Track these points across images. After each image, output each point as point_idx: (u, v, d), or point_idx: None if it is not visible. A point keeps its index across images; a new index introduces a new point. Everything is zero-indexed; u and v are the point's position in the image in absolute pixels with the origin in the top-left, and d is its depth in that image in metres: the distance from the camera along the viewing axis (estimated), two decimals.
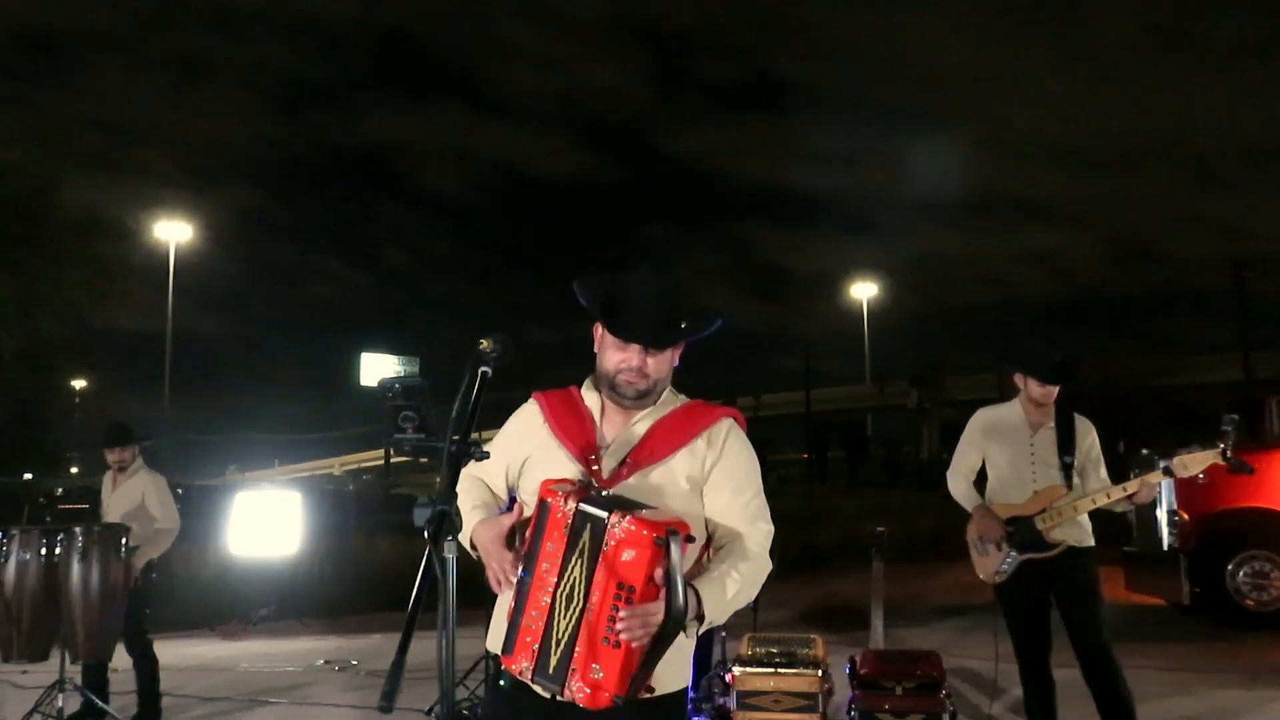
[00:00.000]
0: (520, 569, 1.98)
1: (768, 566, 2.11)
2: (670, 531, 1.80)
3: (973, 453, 4.36)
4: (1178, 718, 5.30)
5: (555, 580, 1.90)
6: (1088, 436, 4.21)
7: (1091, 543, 4.15)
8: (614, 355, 2.15)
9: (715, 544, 2.12)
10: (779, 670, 4.64)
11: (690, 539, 1.88)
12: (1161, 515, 8.18)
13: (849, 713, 4.45)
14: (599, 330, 2.20)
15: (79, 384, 30.67)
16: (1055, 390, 4.18)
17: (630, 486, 2.08)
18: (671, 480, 2.11)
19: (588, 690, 1.82)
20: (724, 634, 5.33)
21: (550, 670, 1.87)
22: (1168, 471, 4.06)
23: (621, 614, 1.79)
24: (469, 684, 5.29)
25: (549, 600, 1.90)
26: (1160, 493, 8.11)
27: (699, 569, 2.05)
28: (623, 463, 2.11)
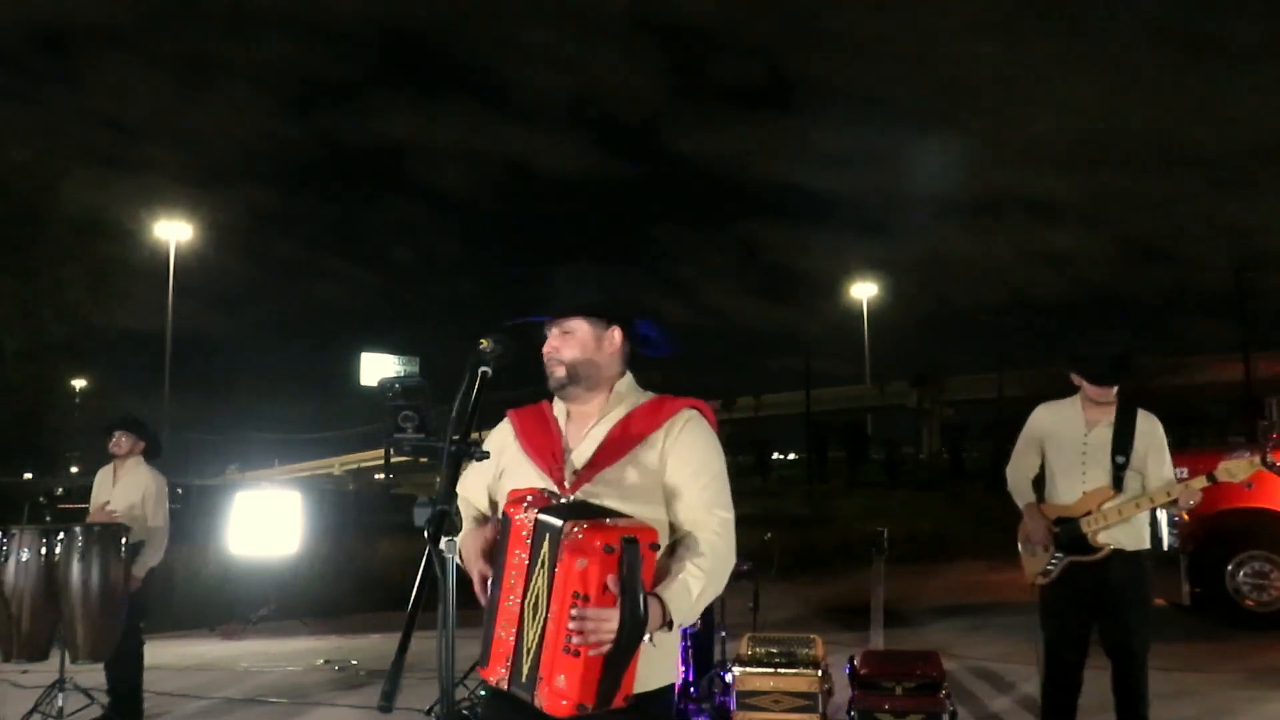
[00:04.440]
0: (490, 583, 2.00)
1: (730, 556, 2.08)
2: (625, 540, 1.80)
3: (1030, 449, 4.25)
4: (1178, 718, 5.29)
5: (522, 591, 1.91)
6: (1148, 434, 4.02)
7: (1145, 545, 4.01)
8: (545, 348, 2.19)
9: (674, 535, 2.10)
10: (779, 670, 4.64)
11: (655, 546, 1.87)
12: (1161, 515, 8.17)
13: (849, 713, 4.45)
14: None
15: (79, 384, 30.72)
16: (1111, 390, 4.02)
17: (590, 490, 2.08)
18: (631, 478, 2.09)
19: (552, 700, 1.82)
20: (724, 634, 5.33)
21: (523, 679, 1.88)
22: (1212, 478, 3.95)
23: (573, 613, 1.79)
24: (469, 684, 5.29)
25: (518, 611, 1.91)
26: None
27: (664, 565, 2.02)
28: (583, 466, 2.12)
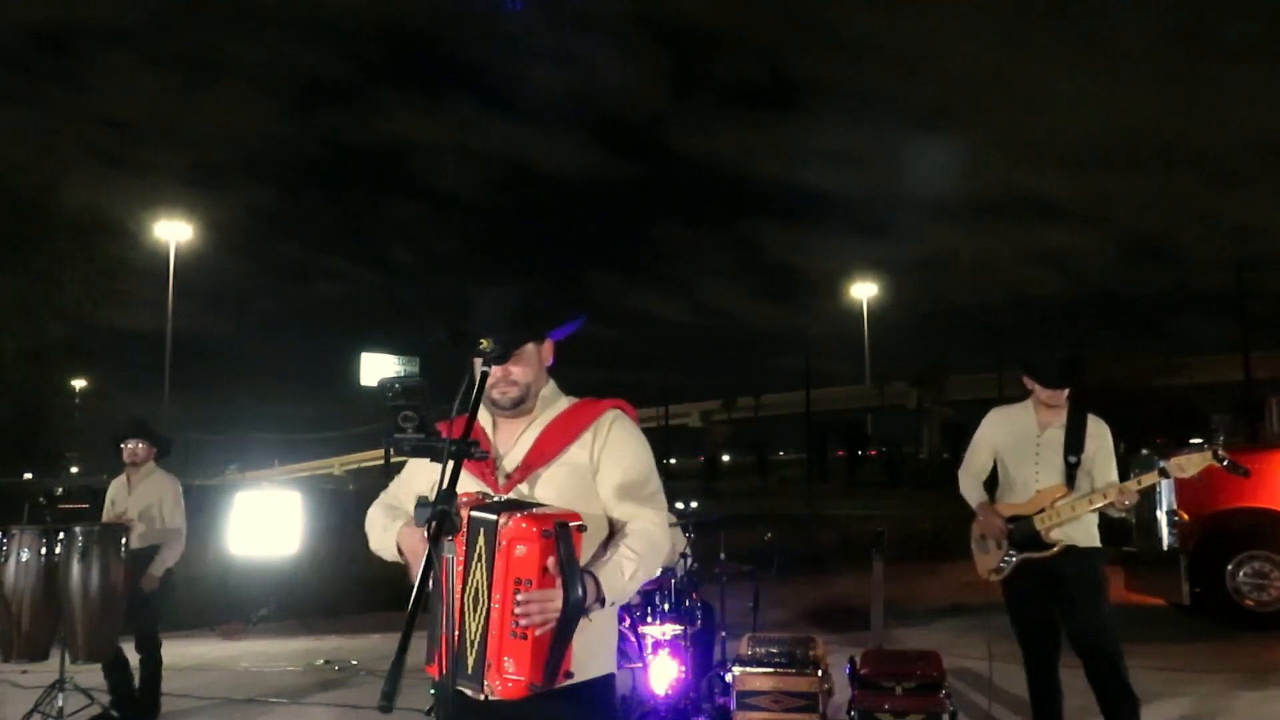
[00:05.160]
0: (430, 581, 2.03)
1: (665, 543, 2.20)
2: (558, 524, 1.91)
3: (983, 451, 4.35)
4: (1178, 718, 5.30)
5: (461, 587, 1.97)
6: (1097, 437, 4.14)
7: (1096, 543, 4.10)
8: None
9: (612, 527, 2.20)
10: (779, 670, 4.64)
11: (582, 528, 1.98)
12: (1161, 515, 8.18)
13: (849, 713, 4.44)
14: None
15: (79, 384, 30.71)
16: (1062, 393, 4.13)
17: (524, 491, 2.19)
18: (564, 478, 2.19)
19: (504, 683, 1.91)
20: (724, 634, 5.33)
21: (470, 671, 1.95)
22: (1164, 473, 4.05)
23: (519, 598, 1.88)
24: None
25: (458, 606, 1.97)
26: (1160, 493, 8.11)
27: (600, 553, 2.13)
28: (515, 469, 2.21)
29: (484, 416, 2.29)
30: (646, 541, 2.14)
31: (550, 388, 2.32)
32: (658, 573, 2.21)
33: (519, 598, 1.87)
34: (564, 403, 2.30)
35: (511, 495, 2.17)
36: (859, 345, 64.33)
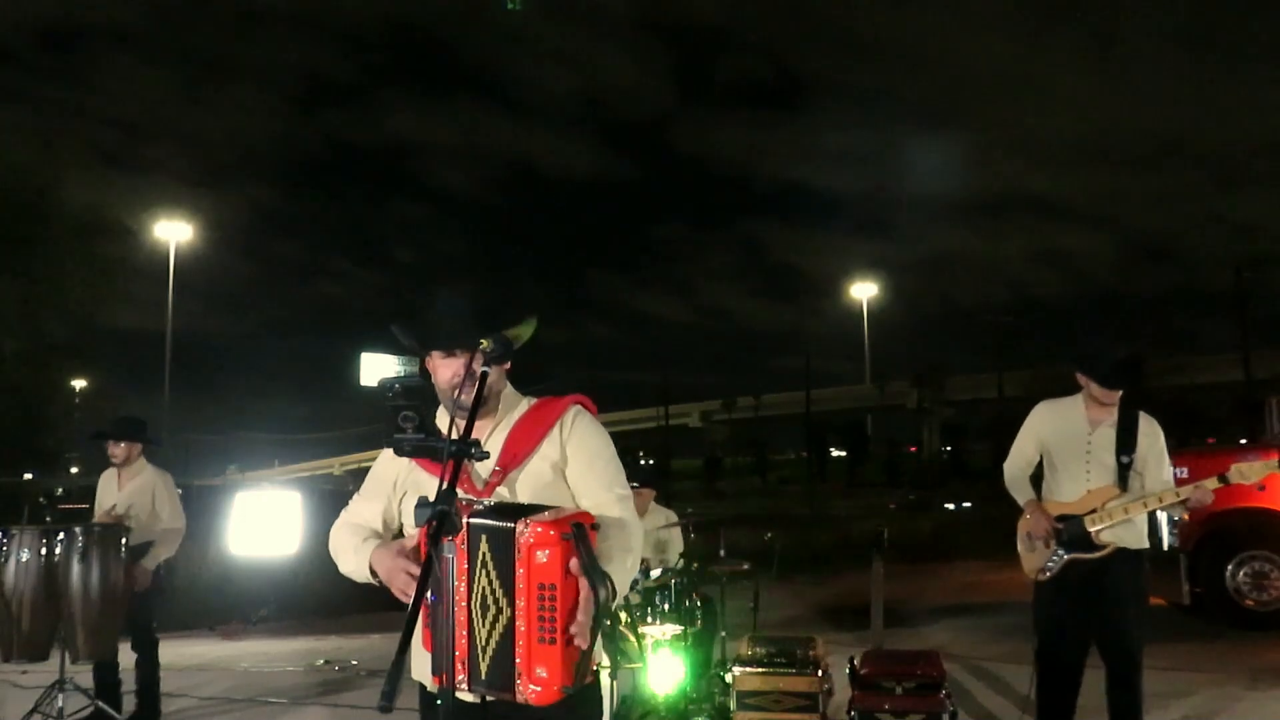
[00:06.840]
0: (429, 594, 1.99)
1: (637, 525, 2.25)
2: (575, 525, 1.93)
3: (1030, 445, 4.25)
4: (1178, 718, 5.30)
5: (466, 593, 1.96)
6: (1149, 436, 4.06)
7: (1145, 545, 4.03)
8: (444, 373, 2.24)
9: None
10: (779, 670, 4.64)
11: (595, 526, 2.00)
12: (1161, 515, 8.17)
13: (849, 713, 4.44)
14: (429, 361, 2.30)
15: (79, 384, 30.72)
16: (1117, 393, 4.05)
17: (503, 493, 2.20)
18: (540, 474, 2.23)
19: (536, 689, 1.91)
20: (724, 634, 5.33)
21: (483, 676, 1.95)
22: (1224, 479, 3.96)
23: (580, 618, 1.89)
24: None
25: (465, 614, 1.96)
26: None
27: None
28: (492, 472, 2.21)
29: (444, 421, 2.26)
30: (627, 528, 2.19)
31: (510, 390, 2.34)
32: (640, 555, 2.25)
33: (579, 617, 1.89)
34: (525, 403, 2.33)
35: (493, 497, 2.17)
36: (859, 345, 64.31)
